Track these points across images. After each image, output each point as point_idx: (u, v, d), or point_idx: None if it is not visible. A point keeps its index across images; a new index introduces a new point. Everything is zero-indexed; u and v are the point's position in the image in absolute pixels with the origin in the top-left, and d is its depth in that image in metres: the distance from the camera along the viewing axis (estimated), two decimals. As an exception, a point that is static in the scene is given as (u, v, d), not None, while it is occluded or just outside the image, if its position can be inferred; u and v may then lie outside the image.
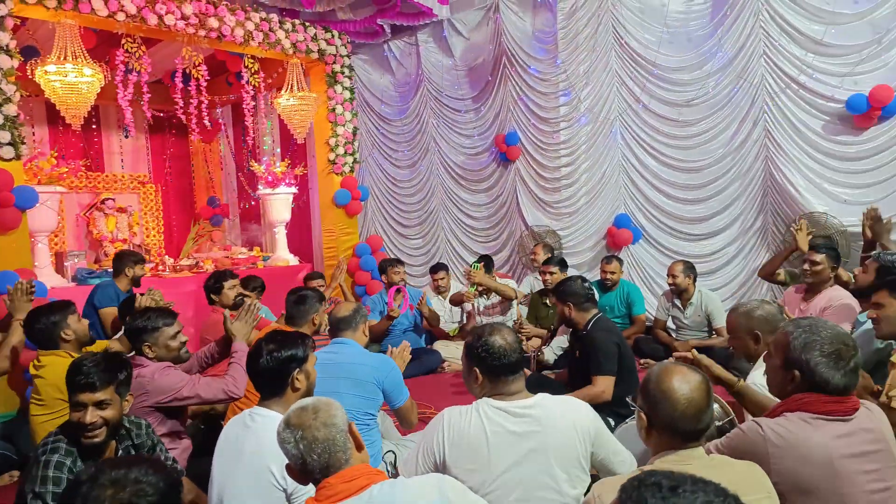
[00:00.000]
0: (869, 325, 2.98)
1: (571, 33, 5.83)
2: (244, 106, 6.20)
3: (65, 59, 4.73)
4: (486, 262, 5.40)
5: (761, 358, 2.25)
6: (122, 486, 1.19)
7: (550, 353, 4.47)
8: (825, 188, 4.84)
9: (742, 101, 5.16)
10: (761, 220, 5.26)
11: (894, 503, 1.65)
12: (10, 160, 4.47)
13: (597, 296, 4.38)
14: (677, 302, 4.75)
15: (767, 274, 4.42)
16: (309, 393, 2.17)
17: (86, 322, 3.20)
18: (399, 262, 5.53)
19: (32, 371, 2.92)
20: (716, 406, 2.25)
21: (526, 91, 6.21)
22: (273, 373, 2.09)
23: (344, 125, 6.73)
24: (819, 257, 3.60)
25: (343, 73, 6.68)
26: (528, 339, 4.54)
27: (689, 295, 4.66)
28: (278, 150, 7.39)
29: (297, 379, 2.12)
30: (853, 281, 3.67)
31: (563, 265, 4.88)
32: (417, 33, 6.84)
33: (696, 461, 1.50)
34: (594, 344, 3.12)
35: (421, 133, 7.16)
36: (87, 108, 5.04)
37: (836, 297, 3.54)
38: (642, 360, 4.55)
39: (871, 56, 4.59)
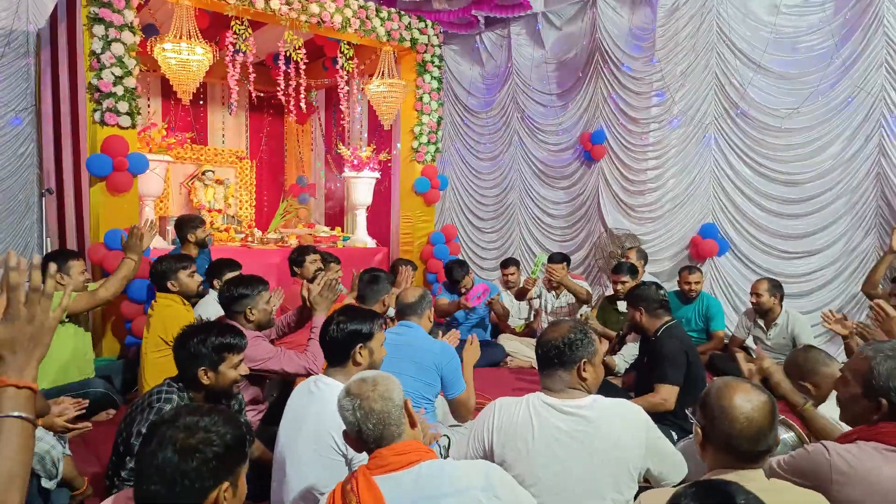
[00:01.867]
0: None
1: (671, 31, 5.62)
2: (338, 90, 6.41)
3: (180, 38, 5.04)
4: (564, 259, 5.27)
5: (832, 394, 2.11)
6: (193, 433, 1.28)
7: (621, 362, 4.35)
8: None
9: (856, 112, 4.81)
10: (868, 242, 4.88)
11: None
12: (126, 129, 4.85)
13: (671, 306, 4.22)
14: (760, 322, 4.49)
15: (871, 287, 4.08)
16: (372, 369, 2.24)
17: (197, 279, 3.62)
18: (465, 264, 5.47)
19: (150, 311, 3.49)
20: (791, 434, 2.13)
21: (617, 89, 6.06)
22: (338, 343, 2.19)
23: (429, 114, 6.82)
24: None
25: (433, 62, 6.76)
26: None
27: (774, 316, 4.39)
28: (366, 135, 7.59)
29: (359, 353, 2.20)
30: None
31: (633, 273, 4.74)
32: (511, 25, 6.81)
33: (753, 483, 1.41)
34: (661, 351, 3.04)
35: (505, 126, 7.15)
36: (197, 85, 5.37)
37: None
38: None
39: None
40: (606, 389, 3.30)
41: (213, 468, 1.26)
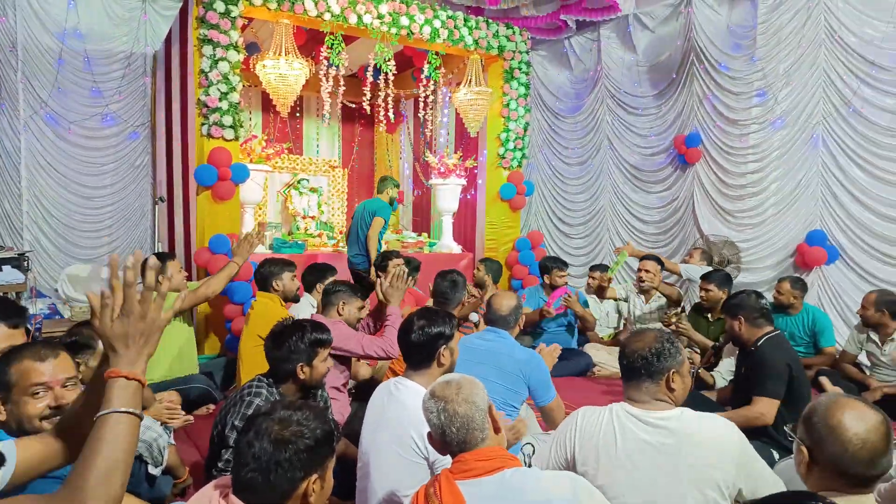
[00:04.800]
0: None
1: (773, 28, 5.30)
2: (423, 99, 6.53)
3: (279, 54, 5.34)
4: (658, 263, 5.09)
5: None
6: (286, 426, 1.37)
7: (720, 378, 4.14)
8: None
9: None
10: None
11: None
12: (230, 141, 5.20)
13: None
14: (874, 336, 4.13)
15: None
16: (451, 369, 2.27)
17: (296, 284, 3.85)
18: (565, 264, 5.44)
19: (249, 310, 3.70)
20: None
21: (714, 90, 5.78)
22: (422, 346, 2.23)
23: (516, 120, 6.81)
24: None
25: (521, 68, 6.75)
26: (684, 338, 4.27)
27: (891, 331, 4.03)
28: (453, 142, 7.68)
29: (442, 354, 2.24)
30: None
31: (724, 282, 4.48)
32: (601, 28, 6.69)
33: None
34: (761, 361, 2.86)
35: (594, 131, 7.01)
36: (294, 98, 5.65)
37: None
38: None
39: None
40: (700, 403, 3.16)
41: (304, 459, 1.34)
